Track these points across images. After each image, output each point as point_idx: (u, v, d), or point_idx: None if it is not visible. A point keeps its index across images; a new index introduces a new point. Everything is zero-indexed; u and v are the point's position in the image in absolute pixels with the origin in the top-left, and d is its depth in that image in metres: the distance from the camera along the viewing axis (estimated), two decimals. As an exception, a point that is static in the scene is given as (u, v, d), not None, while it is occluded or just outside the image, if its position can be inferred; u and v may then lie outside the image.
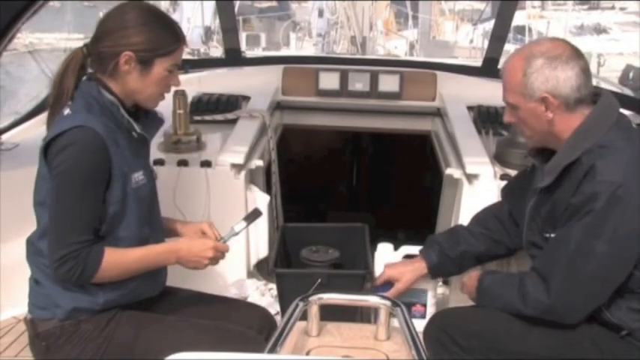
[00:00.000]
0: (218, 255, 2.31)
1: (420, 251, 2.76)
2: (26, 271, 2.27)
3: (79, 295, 2.16)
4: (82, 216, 2.08)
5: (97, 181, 2.08)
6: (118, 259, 2.16)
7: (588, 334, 2.19)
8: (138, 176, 2.20)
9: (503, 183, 3.14)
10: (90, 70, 2.20)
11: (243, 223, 2.48)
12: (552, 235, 2.23)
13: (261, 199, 3.40)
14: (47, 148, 2.08)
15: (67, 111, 2.12)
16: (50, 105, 2.21)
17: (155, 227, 2.33)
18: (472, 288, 2.48)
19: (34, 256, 2.23)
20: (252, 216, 2.53)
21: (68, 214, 2.07)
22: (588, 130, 2.17)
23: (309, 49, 16.59)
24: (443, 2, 19.75)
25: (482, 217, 2.72)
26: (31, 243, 2.25)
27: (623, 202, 2.05)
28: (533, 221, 2.36)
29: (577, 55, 2.18)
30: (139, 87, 2.19)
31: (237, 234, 2.44)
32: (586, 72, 2.19)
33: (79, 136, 2.04)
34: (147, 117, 2.32)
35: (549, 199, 2.25)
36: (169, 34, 2.19)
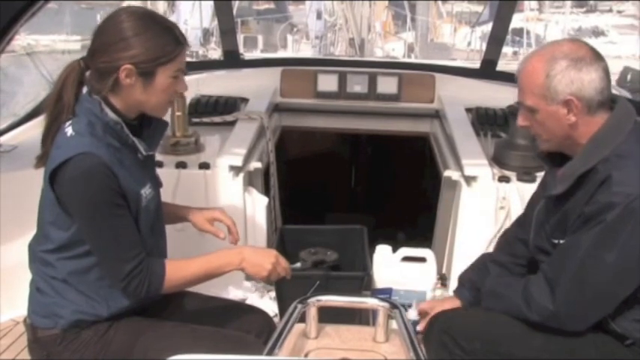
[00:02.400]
0: (279, 267, 2.27)
1: (454, 292, 2.68)
2: (25, 274, 2.25)
3: (82, 308, 2.15)
4: (123, 235, 2.06)
5: (118, 200, 2.04)
6: (180, 268, 2.16)
7: (592, 340, 2.16)
8: (146, 190, 2.16)
9: (502, 185, 3.15)
10: (91, 84, 2.10)
11: (309, 267, 2.67)
12: (561, 242, 2.19)
13: (259, 201, 3.40)
14: (53, 173, 2.02)
15: (69, 131, 2.04)
16: (47, 122, 2.12)
17: (158, 236, 2.31)
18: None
19: (37, 264, 2.19)
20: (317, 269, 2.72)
21: (111, 240, 2.05)
22: (605, 138, 2.12)
23: (306, 52, 16.60)
24: (440, 5, 19.77)
25: (507, 244, 2.64)
26: (33, 250, 2.20)
27: (637, 215, 2.01)
28: (541, 227, 2.32)
29: (599, 56, 2.14)
30: (144, 98, 2.10)
31: (298, 269, 2.58)
32: (608, 74, 2.14)
33: (86, 165, 1.97)
34: (150, 125, 2.25)
35: (560, 206, 2.21)
36: (169, 39, 2.07)
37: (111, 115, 2.08)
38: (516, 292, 2.24)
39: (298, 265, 2.55)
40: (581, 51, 2.11)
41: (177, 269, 2.15)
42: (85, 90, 2.12)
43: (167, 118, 3.27)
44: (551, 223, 2.26)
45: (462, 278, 2.66)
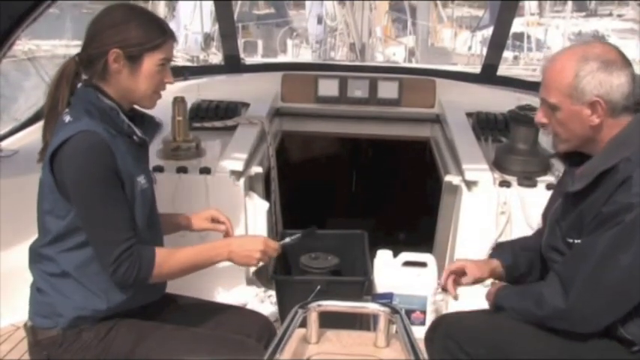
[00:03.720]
0: (269, 250, 2.33)
1: (490, 255, 2.63)
2: (25, 279, 2.26)
3: (81, 304, 2.16)
4: (117, 216, 2.09)
5: (116, 180, 2.09)
6: (170, 256, 2.19)
7: (597, 346, 2.13)
8: (141, 179, 2.20)
9: (503, 190, 3.15)
10: (84, 77, 2.20)
11: (298, 235, 2.57)
12: (576, 241, 2.17)
13: (260, 206, 3.39)
14: (53, 156, 2.07)
15: (67, 118, 2.12)
16: (45, 115, 2.21)
17: (155, 231, 2.33)
18: (491, 299, 2.41)
19: (37, 264, 2.21)
20: (308, 232, 2.64)
21: (104, 219, 2.08)
22: (628, 138, 2.11)
23: (306, 56, 16.62)
24: (441, 9, 19.80)
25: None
26: (34, 251, 2.23)
27: None
28: (556, 224, 2.29)
29: (628, 62, 2.13)
30: (132, 85, 2.18)
31: (287, 243, 2.52)
32: (634, 81, 2.13)
33: (85, 141, 2.04)
34: (143, 122, 2.33)
35: (578, 204, 2.19)
36: (155, 28, 2.18)
37: (106, 101, 2.16)
38: (527, 296, 2.22)
39: (288, 240, 2.52)
40: (612, 54, 2.11)
41: (167, 258, 2.17)
42: (79, 85, 2.21)
43: (167, 122, 3.31)
44: (566, 222, 2.24)
45: (501, 244, 2.67)
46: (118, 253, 2.06)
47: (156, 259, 2.13)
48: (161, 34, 2.19)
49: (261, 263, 2.41)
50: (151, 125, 2.37)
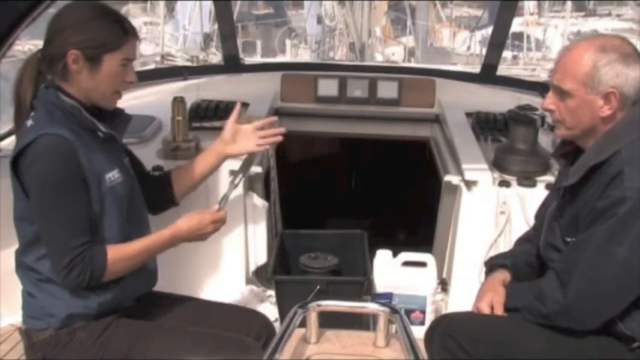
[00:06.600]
0: (218, 225, 2.37)
1: (492, 267, 2.55)
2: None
3: (72, 302, 2.16)
4: (73, 220, 2.08)
5: (76, 184, 2.08)
6: (122, 253, 2.17)
7: (596, 345, 2.13)
8: (112, 175, 2.19)
9: (502, 189, 3.15)
10: (49, 77, 2.18)
11: (232, 186, 2.59)
12: (574, 240, 2.19)
13: (260, 206, 3.39)
14: (15, 163, 2.08)
15: (29, 122, 2.12)
16: (14, 118, 2.20)
17: (138, 224, 2.33)
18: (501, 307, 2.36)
19: (22, 269, 2.23)
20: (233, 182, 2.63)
21: (59, 223, 2.07)
22: (619, 132, 2.13)
23: (304, 56, 16.62)
24: (440, 9, 19.80)
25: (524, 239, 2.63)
26: (17, 257, 2.24)
27: None
28: (555, 222, 2.31)
29: None
30: (92, 85, 2.16)
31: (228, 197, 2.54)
32: None
33: (46, 144, 2.03)
34: (112, 116, 2.30)
35: (574, 202, 2.21)
36: (116, 28, 2.16)
37: (67, 100, 2.14)
38: (529, 293, 2.23)
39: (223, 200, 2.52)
40: (629, 48, 2.14)
41: (119, 256, 2.16)
42: (42, 86, 2.20)
43: (167, 122, 3.30)
44: (564, 220, 2.25)
45: (494, 256, 2.63)
46: (70, 258, 2.06)
47: (108, 260, 2.12)
48: (122, 34, 2.17)
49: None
50: (121, 119, 2.34)
